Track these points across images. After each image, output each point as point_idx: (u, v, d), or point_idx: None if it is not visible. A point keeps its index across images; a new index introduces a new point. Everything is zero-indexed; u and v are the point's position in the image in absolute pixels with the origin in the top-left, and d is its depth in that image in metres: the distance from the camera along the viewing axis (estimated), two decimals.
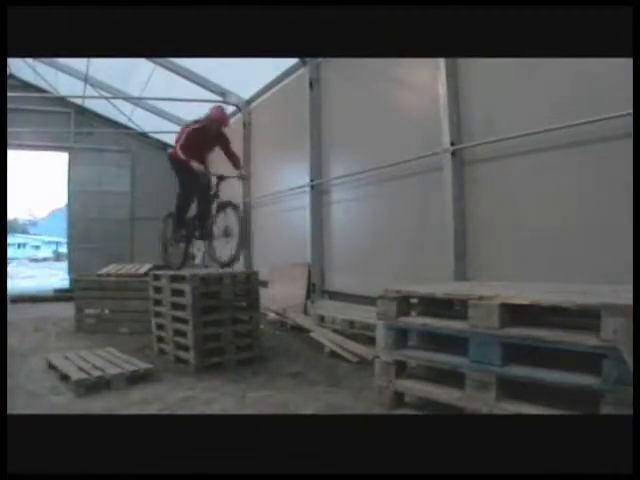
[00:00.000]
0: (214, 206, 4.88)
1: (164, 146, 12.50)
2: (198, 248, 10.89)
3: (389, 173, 5.26)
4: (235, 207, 4.78)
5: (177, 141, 4.70)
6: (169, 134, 11.49)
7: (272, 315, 6.51)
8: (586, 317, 2.14)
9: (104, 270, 6.72)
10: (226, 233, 4.75)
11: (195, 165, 4.53)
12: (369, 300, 4.31)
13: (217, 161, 5.46)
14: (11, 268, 20.68)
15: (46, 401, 3.33)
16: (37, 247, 48.17)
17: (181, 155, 4.57)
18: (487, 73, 4.14)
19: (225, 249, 4.82)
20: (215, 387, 3.64)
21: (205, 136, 4.73)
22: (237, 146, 9.16)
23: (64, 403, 3.29)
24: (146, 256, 9.78)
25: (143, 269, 6.51)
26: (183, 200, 5.02)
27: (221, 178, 4.92)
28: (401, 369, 2.86)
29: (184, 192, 4.99)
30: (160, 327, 4.73)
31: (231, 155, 5.00)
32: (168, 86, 8.42)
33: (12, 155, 12.73)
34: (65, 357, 4.17)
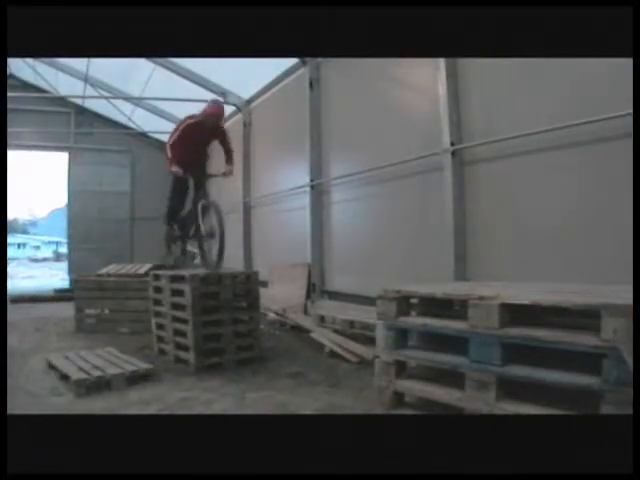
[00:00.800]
0: (199, 206, 4.77)
1: (164, 146, 12.52)
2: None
3: (389, 173, 5.26)
4: (217, 208, 4.64)
5: (169, 138, 4.69)
6: (169, 134, 11.51)
7: (272, 315, 6.51)
8: (586, 317, 2.14)
9: (104, 270, 6.73)
10: (211, 235, 4.63)
11: (174, 168, 4.49)
12: (369, 300, 4.31)
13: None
14: (11, 268, 20.67)
15: (46, 401, 3.33)
16: (37, 247, 48.17)
17: (168, 153, 4.55)
18: (487, 73, 4.14)
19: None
20: (215, 387, 3.64)
21: (201, 131, 4.67)
22: (237, 146, 9.22)
23: (64, 403, 3.29)
24: (146, 256, 9.79)
25: (143, 269, 6.51)
26: (172, 199, 5.02)
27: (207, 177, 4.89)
28: (401, 369, 2.86)
29: (173, 191, 5.00)
30: (160, 327, 4.73)
31: (228, 149, 4.92)
32: (168, 86, 8.43)
33: (12, 155, 12.72)
34: (65, 357, 4.17)
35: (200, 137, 4.73)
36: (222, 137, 4.92)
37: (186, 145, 4.59)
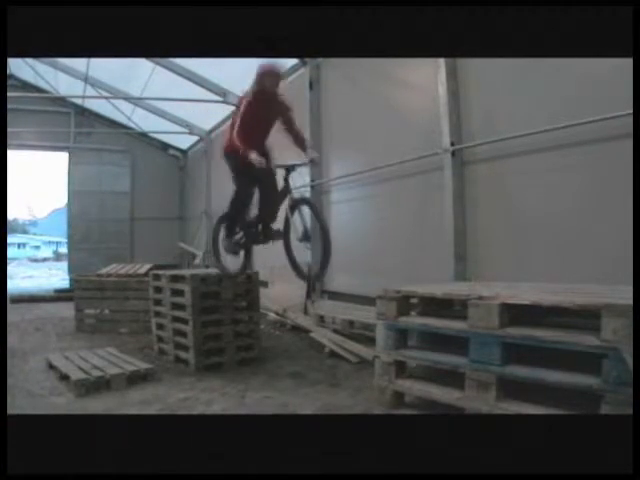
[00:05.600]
0: (285, 204, 3.89)
1: (164, 146, 12.53)
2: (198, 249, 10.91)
3: (389, 173, 5.25)
4: (311, 204, 3.91)
5: (232, 127, 3.84)
6: (169, 134, 11.52)
7: (272, 315, 6.51)
8: (586, 317, 2.14)
9: (104, 270, 6.73)
10: (306, 236, 3.78)
11: (254, 158, 3.55)
12: (369, 300, 4.30)
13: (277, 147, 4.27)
14: (11, 268, 20.69)
15: (46, 401, 3.33)
16: (37, 247, 48.14)
17: (237, 142, 3.66)
18: (487, 73, 4.14)
19: (306, 256, 3.99)
20: (215, 387, 3.64)
21: (261, 107, 3.75)
22: None
23: (64, 403, 3.29)
24: (146, 256, 9.80)
25: (143, 269, 6.52)
26: (240, 201, 4.04)
27: (290, 169, 3.89)
28: (401, 369, 2.86)
29: (241, 191, 4.02)
30: (160, 327, 4.73)
31: (294, 131, 3.95)
32: (168, 86, 8.42)
33: (12, 155, 12.72)
34: (65, 357, 4.17)
35: (261, 116, 3.81)
36: (286, 115, 3.92)
37: (250, 132, 3.73)
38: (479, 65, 4.17)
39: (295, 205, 3.85)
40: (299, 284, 6.83)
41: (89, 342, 5.20)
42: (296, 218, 3.82)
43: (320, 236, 3.64)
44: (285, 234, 3.99)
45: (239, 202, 4.05)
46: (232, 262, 4.45)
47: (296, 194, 3.99)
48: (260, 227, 4.12)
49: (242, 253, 4.34)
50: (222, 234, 4.35)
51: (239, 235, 4.23)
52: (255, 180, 3.91)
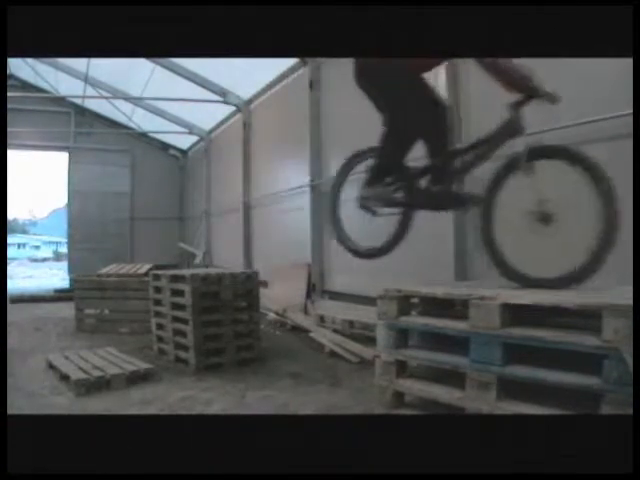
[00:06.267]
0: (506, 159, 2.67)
1: (164, 146, 12.54)
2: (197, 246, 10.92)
3: None
4: (575, 156, 2.53)
5: None
6: (169, 134, 11.53)
7: (272, 315, 6.51)
8: (587, 317, 2.14)
9: (104, 270, 6.73)
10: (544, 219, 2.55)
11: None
12: (369, 300, 4.30)
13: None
14: (11, 268, 20.68)
15: (46, 401, 3.33)
16: (37, 247, 48.14)
17: None
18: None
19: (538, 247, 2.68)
20: (215, 387, 3.64)
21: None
22: (237, 146, 9.23)
23: (64, 403, 3.29)
24: (146, 256, 9.82)
25: (143, 269, 6.52)
26: (390, 140, 2.81)
27: (521, 101, 2.71)
28: (402, 369, 2.86)
29: (394, 125, 2.79)
30: (160, 327, 4.73)
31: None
32: (168, 86, 8.44)
33: (12, 155, 12.72)
34: (65, 357, 4.17)
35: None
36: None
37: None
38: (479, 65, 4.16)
39: (520, 159, 2.54)
40: (299, 284, 6.84)
41: (89, 342, 5.20)
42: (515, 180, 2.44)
43: (607, 214, 2.42)
44: (487, 203, 2.65)
45: (390, 142, 2.78)
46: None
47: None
48: (431, 181, 2.82)
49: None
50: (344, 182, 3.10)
51: (394, 186, 2.97)
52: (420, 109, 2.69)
